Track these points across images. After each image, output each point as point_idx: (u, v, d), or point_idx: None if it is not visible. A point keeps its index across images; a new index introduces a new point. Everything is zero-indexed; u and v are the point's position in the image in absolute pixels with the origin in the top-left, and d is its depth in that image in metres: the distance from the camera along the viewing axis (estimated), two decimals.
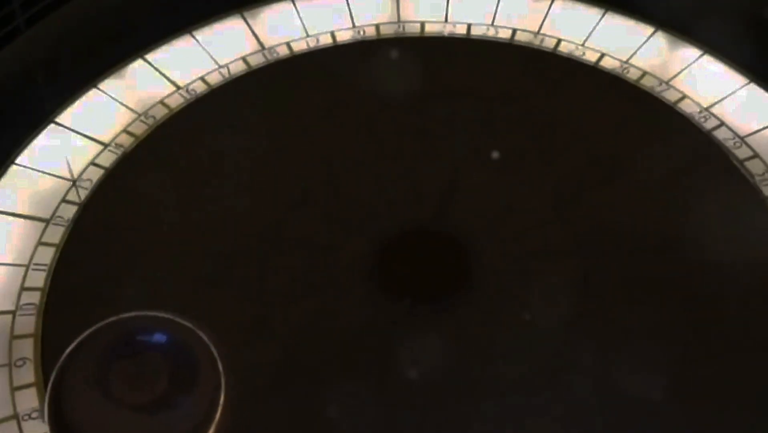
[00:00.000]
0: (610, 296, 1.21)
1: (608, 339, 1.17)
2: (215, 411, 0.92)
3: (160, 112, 1.41)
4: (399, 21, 1.54)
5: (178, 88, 1.44)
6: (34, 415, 1.09)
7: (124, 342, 0.94)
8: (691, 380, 1.14)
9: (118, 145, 1.37)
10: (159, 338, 0.95)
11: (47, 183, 1.32)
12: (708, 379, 1.14)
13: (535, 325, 1.18)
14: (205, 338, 0.94)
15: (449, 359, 1.16)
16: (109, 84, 1.44)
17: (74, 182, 1.30)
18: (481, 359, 1.16)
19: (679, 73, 1.46)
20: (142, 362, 0.93)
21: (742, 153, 1.35)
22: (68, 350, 0.93)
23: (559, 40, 1.50)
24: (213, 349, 0.94)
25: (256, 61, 1.48)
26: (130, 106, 1.42)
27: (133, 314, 0.96)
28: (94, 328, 0.95)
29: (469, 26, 1.53)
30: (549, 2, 1.55)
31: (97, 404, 0.91)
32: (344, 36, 1.52)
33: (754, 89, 1.43)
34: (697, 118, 1.40)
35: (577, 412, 1.12)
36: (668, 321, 1.18)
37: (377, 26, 1.53)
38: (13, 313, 1.19)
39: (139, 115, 1.41)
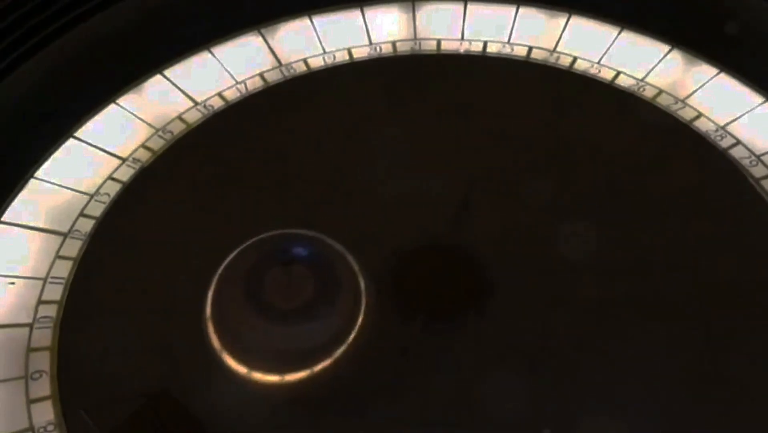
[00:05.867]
0: (623, 313, 1.21)
1: (621, 356, 1.17)
2: (354, 325, 0.98)
3: (178, 128, 1.42)
4: (415, 38, 1.54)
5: (196, 103, 1.45)
6: (49, 428, 1.10)
7: (279, 253, 1.01)
8: (704, 400, 1.13)
9: (136, 160, 1.38)
10: (310, 252, 0.97)
11: (66, 197, 1.33)
12: (721, 399, 1.13)
13: (548, 343, 1.18)
14: (352, 261, 0.99)
15: (461, 375, 1.16)
16: (127, 99, 1.46)
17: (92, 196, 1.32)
18: (494, 376, 1.16)
19: (695, 91, 1.46)
20: (293, 272, 0.99)
21: (758, 171, 1.35)
22: (226, 262, 0.96)
23: (575, 58, 1.50)
24: (357, 269, 0.96)
25: (274, 77, 1.49)
26: (148, 121, 1.43)
27: (289, 230, 1.00)
28: (248, 243, 1.02)
29: (485, 44, 1.53)
30: (565, 20, 1.55)
31: (250, 308, 0.98)
32: (361, 53, 1.52)
33: None
34: (713, 136, 1.39)
35: (589, 430, 1.11)
36: (682, 340, 1.18)
37: (394, 43, 1.54)
38: (30, 326, 1.20)
39: (157, 130, 1.42)
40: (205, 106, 1.45)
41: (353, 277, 0.99)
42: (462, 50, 1.53)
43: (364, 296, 0.99)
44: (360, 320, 0.98)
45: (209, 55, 1.52)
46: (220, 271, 1.00)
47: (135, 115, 1.44)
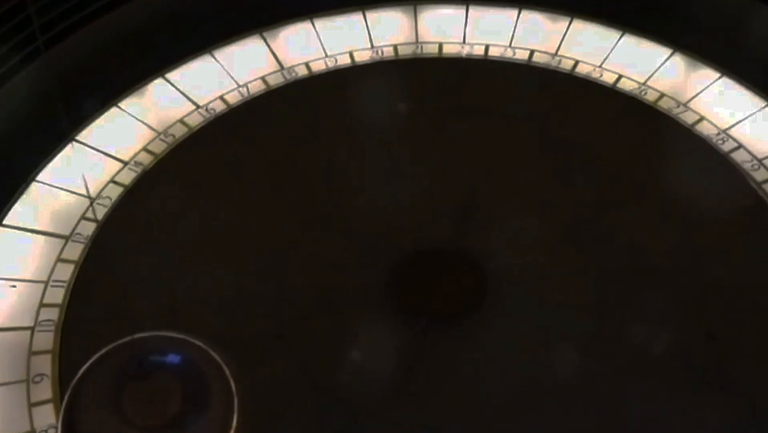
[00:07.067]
0: (626, 318, 1.21)
1: (623, 362, 1.17)
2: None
3: (180, 131, 1.42)
4: (417, 42, 1.54)
5: (198, 107, 1.45)
6: (50, 432, 1.10)
7: (137, 362, 0.94)
8: (709, 405, 1.13)
9: (137, 163, 1.38)
10: (173, 358, 0.95)
11: (67, 200, 1.33)
12: (726, 403, 1.13)
13: (550, 346, 1.18)
14: (219, 359, 0.94)
15: (464, 378, 1.16)
16: (129, 102, 1.46)
17: (92, 201, 1.32)
18: (496, 380, 1.16)
19: (697, 94, 1.46)
20: (155, 382, 0.93)
21: (760, 175, 1.35)
22: (82, 370, 0.94)
23: (577, 62, 1.50)
24: (227, 370, 0.94)
25: (275, 80, 1.49)
26: (149, 124, 1.43)
27: (146, 334, 0.96)
28: (107, 348, 0.95)
29: (486, 47, 1.53)
30: (567, 23, 1.55)
31: (110, 425, 0.91)
32: (363, 56, 1.52)
33: None
34: (714, 140, 1.39)
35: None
36: (685, 345, 1.18)
37: (395, 47, 1.54)
38: (31, 329, 1.20)
39: (159, 133, 1.42)
40: (206, 110, 1.45)
41: (224, 381, 0.94)
42: (464, 53, 1.53)
43: (236, 401, 0.94)
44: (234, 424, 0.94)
45: (211, 58, 1.52)
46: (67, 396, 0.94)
47: (136, 119, 1.44)
